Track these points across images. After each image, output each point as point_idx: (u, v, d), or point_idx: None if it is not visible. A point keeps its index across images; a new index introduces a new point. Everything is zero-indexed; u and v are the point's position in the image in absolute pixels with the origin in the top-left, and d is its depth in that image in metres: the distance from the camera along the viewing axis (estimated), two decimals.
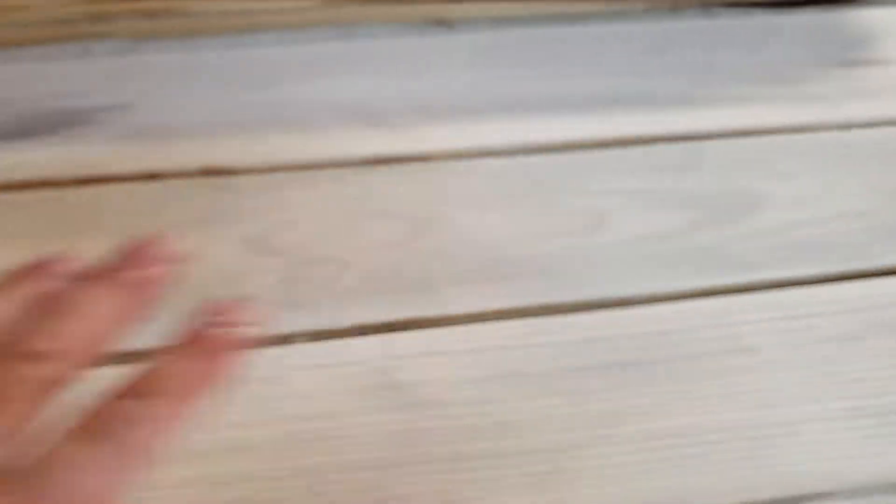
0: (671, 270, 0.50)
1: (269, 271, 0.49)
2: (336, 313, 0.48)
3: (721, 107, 0.59)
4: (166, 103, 0.57)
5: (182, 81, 0.58)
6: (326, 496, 0.43)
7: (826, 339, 0.47)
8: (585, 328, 0.48)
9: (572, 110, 0.58)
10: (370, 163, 0.55)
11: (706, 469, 0.43)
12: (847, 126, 0.57)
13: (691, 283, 0.50)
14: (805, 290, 0.49)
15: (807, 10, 0.64)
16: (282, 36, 0.62)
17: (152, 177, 0.54)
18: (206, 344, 0.32)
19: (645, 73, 0.61)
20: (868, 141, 0.57)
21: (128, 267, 0.34)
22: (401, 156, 0.55)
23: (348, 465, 0.43)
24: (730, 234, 0.52)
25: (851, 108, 0.58)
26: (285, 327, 0.48)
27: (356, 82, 0.59)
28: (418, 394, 0.46)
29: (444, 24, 0.63)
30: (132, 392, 0.29)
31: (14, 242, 0.49)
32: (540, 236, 0.51)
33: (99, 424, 0.28)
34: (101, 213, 0.51)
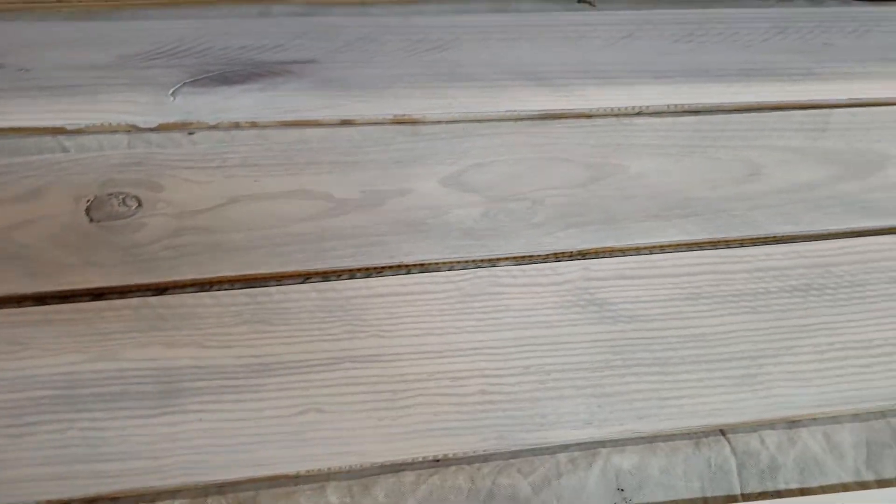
0: (824, 214, 0.58)
1: (470, 205, 0.56)
2: (534, 242, 0.55)
3: (840, 81, 0.67)
4: (351, 60, 0.63)
5: (363, 42, 0.65)
6: (554, 391, 0.49)
7: None
8: (760, 258, 0.55)
9: (712, 79, 0.66)
10: (542, 118, 0.62)
11: (883, 376, 0.50)
12: None
13: (844, 224, 0.57)
14: None
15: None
16: (442, 8, 0.69)
17: (347, 123, 0.60)
18: None
19: (772, 51, 0.68)
20: None
21: None
22: (567, 112, 0.62)
23: (569, 366, 0.50)
24: (866, 185, 0.60)
25: None
26: (492, 252, 0.54)
27: (517, 49, 0.66)
28: (619, 310, 0.52)
29: (586, 1, 0.70)
30: None
31: (228, 172, 0.55)
32: (706, 183, 0.59)
33: None
34: (307, 151, 0.57)
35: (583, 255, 0.54)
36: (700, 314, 0.52)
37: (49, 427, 0.45)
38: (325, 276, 0.51)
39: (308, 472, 0.45)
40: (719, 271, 0.54)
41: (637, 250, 0.54)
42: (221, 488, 0.44)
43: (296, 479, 0.45)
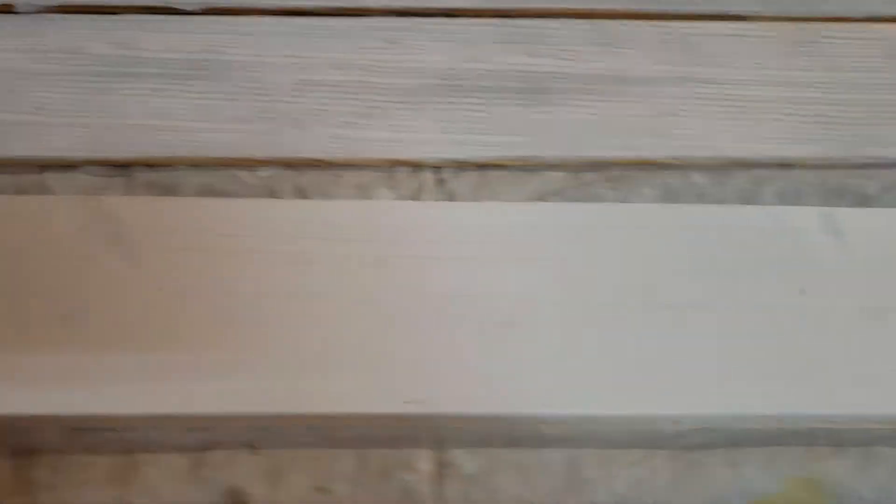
0: None
1: None
2: None
3: None
4: None
5: None
6: None
7: None
8: None
9: None
10: None
11: None
12: None
13: None
14: None
15: None
16: None
17: None
18: None
19: None
20: None
21: None
22: None
23: None
24: None
25: None
26: None
27: None
28: None
29: None
30: None
31: None
32: None
33: None
34: None
35: None
36: None
37: (438, 107, 0.54)
38: (662, 17, 0.60)
39: (671, 159, 0.53)
40: None
41: None
42: (596, 167, 0.53)
43: (660, 165, 0.53)
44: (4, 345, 0.43)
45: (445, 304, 0.45)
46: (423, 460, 0.43)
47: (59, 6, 0.59)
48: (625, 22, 0.60)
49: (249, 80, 0.56)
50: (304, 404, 0.42)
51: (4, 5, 0.59)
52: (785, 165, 0.54)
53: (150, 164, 0.52)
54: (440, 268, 0.46)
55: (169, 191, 0.51)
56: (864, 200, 0.52)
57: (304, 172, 0.52)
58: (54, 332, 0.43)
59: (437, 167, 0.53)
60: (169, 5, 0.59)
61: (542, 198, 0.52)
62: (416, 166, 0.53)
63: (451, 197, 0.52)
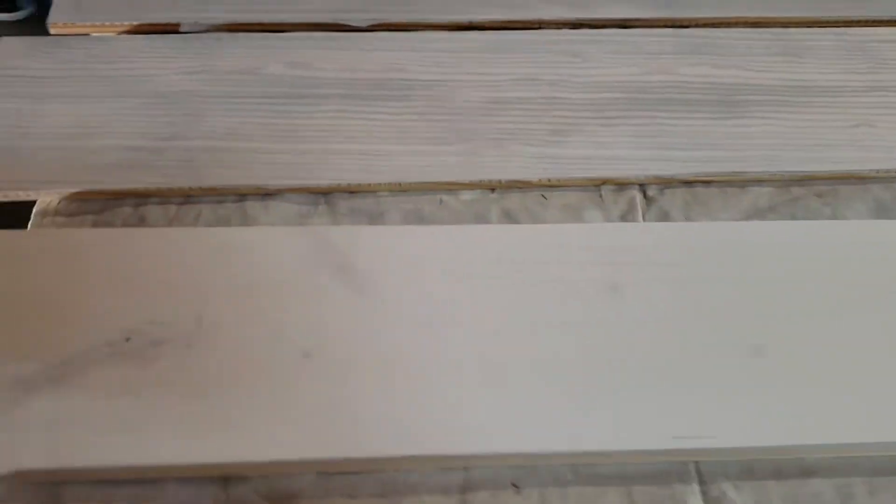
0: None
1: None
2: None
3: None
4: None
5: None
6: None
7: None
8: None
9: None
10: None
11: None
12: None
13: None
14: None
15: None
16: None
17: None
18: None
19: None
20: None
21: None
22: None
23: None
24: None
25: None
26: None
27: None
28: None
29: None
30: None
31: None
32: None
33: None
34: None
35: None
36: None
37: (631, 121, 0.53)
38: (835, 24, 0.59)
39: (876, 172, 0.52)
40: None
41: None
42: (802, 182, 0.52)
43: (866, 178, 0.53)
44: (248, 388, 0.41)
45: (690, 330, 0.44)
46: (693, 495, 0.42)
47: (226, 25, 0.57)
48: (800, 30, 0.59)
49: (437, 100, 0.54)
50: (567, 443, 0.41)
51: (168, 25, 0.57)
52: None
53: (352, 191, 0.50)
54: (676, 291, 0.45)
55: (375, 218, 0.49)
56: None
57: (508, 195, 0.51)
58: (299, 371, 0.42)
59: (641, 185, 0.51)
60: (338, 21, 0.58)
61: (756, 214, 0.51)
62: (621, 185, 0.51)
63: (664, 216, 0.50)
